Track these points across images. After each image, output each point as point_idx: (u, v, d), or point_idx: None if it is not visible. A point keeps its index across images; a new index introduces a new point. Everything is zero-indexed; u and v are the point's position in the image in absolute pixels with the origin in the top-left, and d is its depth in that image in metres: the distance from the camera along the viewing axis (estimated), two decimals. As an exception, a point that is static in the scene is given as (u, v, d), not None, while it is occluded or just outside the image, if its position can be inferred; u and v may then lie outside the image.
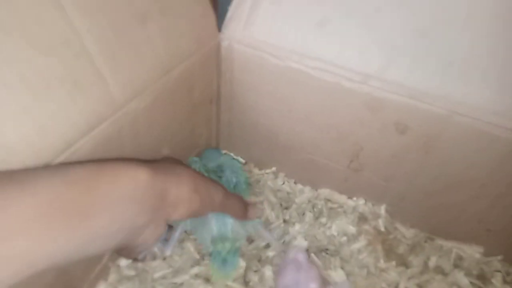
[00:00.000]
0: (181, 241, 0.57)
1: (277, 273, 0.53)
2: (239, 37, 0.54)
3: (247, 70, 0.56)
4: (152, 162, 0.34)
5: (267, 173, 0.69)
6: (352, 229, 0.61)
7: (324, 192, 0.67)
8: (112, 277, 0.52)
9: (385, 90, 0.49)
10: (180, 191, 0.34)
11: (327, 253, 0.57)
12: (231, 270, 0.50)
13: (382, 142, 0.54)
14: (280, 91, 0.56)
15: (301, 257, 0.53)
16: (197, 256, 0.55)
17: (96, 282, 0.50)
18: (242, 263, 0.53)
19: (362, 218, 0.63)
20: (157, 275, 0.53)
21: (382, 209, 0.63)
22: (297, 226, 0.60)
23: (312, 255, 0.56)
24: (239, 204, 0.48)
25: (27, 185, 0.25)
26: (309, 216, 0.62)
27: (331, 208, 0.65)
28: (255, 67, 0.55)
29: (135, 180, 0.29)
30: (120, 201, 0.28)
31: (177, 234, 0.48)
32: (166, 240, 0.50)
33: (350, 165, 0.60)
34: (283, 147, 0.64)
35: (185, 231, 0.52)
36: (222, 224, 0.48)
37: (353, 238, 0.60)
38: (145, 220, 0.31)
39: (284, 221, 0.61)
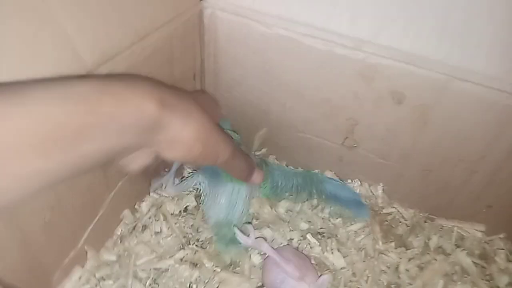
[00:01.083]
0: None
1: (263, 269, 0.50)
2: (223, 5, 0.52)
3: (232, 40, 0.54)
4: (166, 87, 0.31)
5: (256, 156, 0.67)
6: (347, 211, 0.59)
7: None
8: (90, 263, 0.50)
9: (380, 55, 0.47)
10: (183, 133, 0.31)
11: (322, 236, 0.55)
12: (240, 248, 0.50)
13: (377, 115, 0.53)
14: (268, 63, 0.54)
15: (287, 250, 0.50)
16: (183, 240, 0.53)
17: (71, 268, 0.48)
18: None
19: None
20: (140, 261, 0.50)
21: (379, 189, 0.62)
22: (285, 204, 0.58)
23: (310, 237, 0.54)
24: (245, 165, 0.46)
25: (18, 100, 0.23)
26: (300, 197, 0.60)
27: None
28: (240, 37, 0.53)
29: (140, 111, 0.27)
30: (120, 129, 0.27)
31: (188, 183, 0.51)
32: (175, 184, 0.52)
33: (345, 142, 0.58)
34: (273, 126, 0.62)
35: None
36: (232, 208, 0.49)
37: (349, 220, 0.58)
38: (136, 146, 0.31)
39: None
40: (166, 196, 0.58)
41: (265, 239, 0.52)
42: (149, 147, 0.32)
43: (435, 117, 0.49)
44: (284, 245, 0.53)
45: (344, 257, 0.53)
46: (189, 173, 0.54)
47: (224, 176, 0.49)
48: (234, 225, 0.50)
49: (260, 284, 0.50)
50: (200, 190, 0.51)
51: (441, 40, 0.45)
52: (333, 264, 0.52)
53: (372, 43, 0.47)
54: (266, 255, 0.49)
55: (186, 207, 0.57)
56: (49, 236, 0.42)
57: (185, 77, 0.57)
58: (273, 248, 0.49)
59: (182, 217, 0.57)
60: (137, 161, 0.35)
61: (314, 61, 0.51)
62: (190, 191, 0.58)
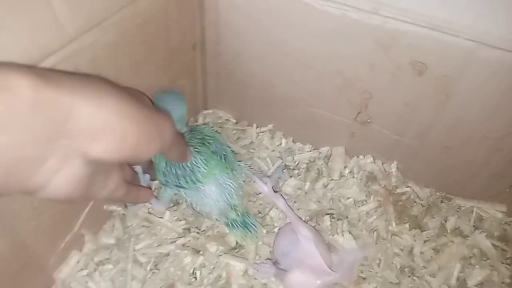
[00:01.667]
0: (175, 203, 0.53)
1: (275, 236, 0.48)
2: (224, -35, 0.47)
3: (234, 6, 0.50)
4: (57, 72, 0.25)
5: (262, 132, 0.64)
6: (359, 191, 0.55)
7: (327, 150, 0.61)
8: (88, 246, 0.47)
9: (399, 20, 0.42)
10: (98, 115, 0.24)
11: (333, 217, 0.52)
12: (255, 228, 0.48)
13: (395, 88, 0.48)
14: (274, 31, 0.50)
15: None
16: (184, 225, 0.50)
17: (67, 253, 0.46)
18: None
19: (370, 178, 0.58)
20: (139, 245, 0.48)
21: (393, 167, 0.58)
22: (293, 182, 0.55)
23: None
24: (183, 141, 0.43)
25: None
26: (309, 177, 0.57)
27: (333, 169, 0.59)
28: (243, 3, 0.48)
29: (17, 96, 0.20)
30: None
31: (166, 195, 0.49)
32: (156, 198, 0.49)
33: (358, 118, 0.54)
34: (281, 100, 0.58)
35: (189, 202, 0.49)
36: (225, 191, 0.47)
37: (360, 200, 0.55)
38: (36, 152, 0.23)
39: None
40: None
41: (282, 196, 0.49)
42: (64, 152, 0.23)
43: (459, 90, 0.45)
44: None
45: (355, 239, 0.50)
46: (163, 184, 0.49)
47: (202, 172, 0.46)
48: (237, 207, 0.47)
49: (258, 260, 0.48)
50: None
51: (469, 1, 0.40)
52: (344, 246, 0.50)
53: (391, 5, 0.42)
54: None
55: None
56: (39, 221, 0.39)
57: (183, 47, 0.52)
58: (290, 208, 0.48)
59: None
60: (61, 175, 0.25)
61: (325, 28, 0.46)
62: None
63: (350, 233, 0.50)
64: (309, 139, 0.62)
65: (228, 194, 0.47)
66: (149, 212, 0.51)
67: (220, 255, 0.48)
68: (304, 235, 0.45)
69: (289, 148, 0.62)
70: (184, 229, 0.50)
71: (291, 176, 0.57)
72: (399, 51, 0.45)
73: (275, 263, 0.47)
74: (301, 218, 0.49)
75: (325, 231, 0.50)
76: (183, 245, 0.49)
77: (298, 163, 0.60)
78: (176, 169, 0.46)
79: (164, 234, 0.49)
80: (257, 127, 0.64)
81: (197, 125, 0.61)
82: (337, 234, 0.50)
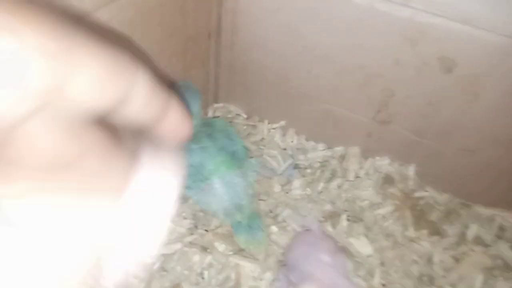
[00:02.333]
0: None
1: (287, 246, 0.46)
2: (246, -51, 0.45)
3: (255, -7, 0.48)
4: None
5: (274, 128, 0.62)
6: (375, 193, 0.53)
7: (342, 150, 0.59)
8: None
9: (430, 12, 0.40)
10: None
11: (348, 220, 0.50)
12: (261, 235, 0.46)
13: (419, 85, 0.47)
14: (294, 22, 0.48)
15: (314, 227, 0.46)
16: (189, 225, 0.48)
17: None
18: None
19: (387, 180, 0.56)
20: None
21: (411, 170, 0.56)
22: (305, 181, 0.53)
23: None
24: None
25: None
26: (323, 176, 0.55)
27: (348, 169, 0.57)
28: (264, -11, 0.47)
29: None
30: None
31: None
32: None
33: (377, 117, 0.52)
34: (295, 96, 0.56)
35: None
36: (231, 190, 0.45)
37: (376, 203, 0.53)
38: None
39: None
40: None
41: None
42: None
43: (489, 89, 0.43)
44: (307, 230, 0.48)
45: (371, 243, 0.48)
46: None
47: (207, 169, 0.45)
48: (244, 208, 0.46)
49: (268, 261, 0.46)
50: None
51: (506, -4, 0.38)
52: (359, 251, 0.47)
53: (423, -3, 0.40)
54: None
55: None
56: None
57: (199, 35, 0.50)
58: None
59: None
60: None
61: (349, 19, 0.44)
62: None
63: (365, 236, 0.48)
64: (323, 138, 0.60)
65: (235, 194, 0.45)
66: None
67: (229, 254, 0.46)
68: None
69: (301, 146, 0.60)
70: (188, 228, 0.48)
71: (303, 176, 0.55)
72: (427, 46, 0.43)
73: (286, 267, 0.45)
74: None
75: (340, 233, 0.48)
76: (190, 242, 0.47)
77: (311, 162, 0.58)
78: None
79: (169, 233, 0.47)
80: (268, 123, 0.62)
81: (210, 118, 0.59)
82: (352, 236, 0.48)
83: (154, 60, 0.43)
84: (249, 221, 0.45)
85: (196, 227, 0.49)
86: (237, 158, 0.47)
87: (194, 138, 0.45)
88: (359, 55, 0.47)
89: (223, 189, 0.45)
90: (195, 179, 0.44)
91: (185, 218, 0.49)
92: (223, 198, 0.45)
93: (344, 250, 0.46)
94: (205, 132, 0.47)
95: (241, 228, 0.45)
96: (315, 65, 0.51)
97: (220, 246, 0.46)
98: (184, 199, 0.50)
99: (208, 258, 0.45)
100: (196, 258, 0.45)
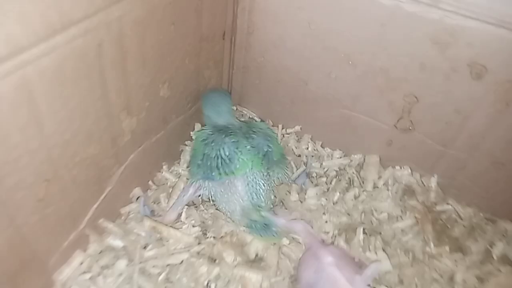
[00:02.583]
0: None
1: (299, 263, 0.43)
2: None
3: (273, -9, 0.45)
4: None
5: (288, 134, 0.60)
6: (394, 205, 0.51)
7: (359, 158, 0.56)
8: (93, 247, 0.43)
9: (462, 14, 0.38)
10: None
11: (364, 233, 0.47)
12: (277, 231, 0.44)
13: (446, 92, 0.44)
14: (316, 22, 0.46)
15: (329, 242, 0.43)
16: (197, 233, 0.46)
17: (71, 252, 0.42)
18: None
19: (407, 192, 0.53)
20: (150, 252, 0.43)
21: (432, 181, 0.53)
22: (318, 190, 0.51)
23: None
24: None
25: None
26: (339, 186, 0.52)
27: (366, 179, 0.54)
28: (284, -13, 0.44)
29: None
30: None
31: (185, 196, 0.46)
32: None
33: (398, 124, 0.50)
34: (313, 100, 0.54)
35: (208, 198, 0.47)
36: (253, 190, 0.44)
37: (395, 216, 0.51)
38: None
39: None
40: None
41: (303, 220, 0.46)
42: None
43: (523, 98, 0.40)
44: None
45: (389, 258, 0.46)
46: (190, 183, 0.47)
47: (234, 164, 0.43)
48: (262, 208, 0.44)
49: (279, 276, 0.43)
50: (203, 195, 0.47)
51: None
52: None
53: (455, -2, 0.38)
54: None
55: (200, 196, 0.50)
56: (43, 215, 0.35)
57: (213, 35, 0.48)
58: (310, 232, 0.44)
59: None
60: None
61: (374, 21, 0.42)
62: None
63: (384, 251, 0.46)
64: (339, 145, 0.58)
65: (255, 194, 0.44)
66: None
67: (237, 266, 0.44)
68: (326, 262, 0.40)
69: (317, 152, 0.58)
70: (196, 237, 0.46)
71: (316, 185, 0.53)
72: (457, 50, 0.40)
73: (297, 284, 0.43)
74: (323, 240, 0.45)
75: (356, 247, 0.46)
76: (198, 253, 0.44)
77: (326, 170, 0.55)
78: (211, 161, 0.44)
79: (176, 242, 0.45)
80: (283, 128, 0.60)
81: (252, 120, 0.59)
82: (369, 251, 0.46)
83: (167, 59, 0.41)
84: (265, 220, 0.44)
85: (204, 234, 0.46)
86: (267, 159, 0.45)
87: (230, 133, 0.45)
88: (383, 58, 0.45)
89: (245, 187, 0.44)
90: (220, 171, 0.43)
91: (193, 226, 0.47)
92: (243, 196, 0.44)
93: (360, 266, 0.44)
94: (243, 130, 0.46)
95: (258, 227, 0.44)
96: (336, 67, 0.48)
97: (229, 257, 0.44)
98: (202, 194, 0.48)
99: (216, 270, 0.43)
100: (203, 269, 0.43)
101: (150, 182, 0.51)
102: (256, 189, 0.43)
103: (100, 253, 0.44)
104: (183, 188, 0.48)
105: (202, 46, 0.47)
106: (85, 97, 0.32)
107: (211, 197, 0.46)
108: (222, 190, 0.44)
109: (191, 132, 0.56)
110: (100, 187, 0.42)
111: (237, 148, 0.44)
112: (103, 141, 0.38)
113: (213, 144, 0.44)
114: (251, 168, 0.43)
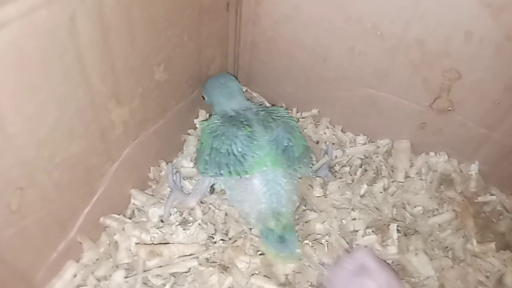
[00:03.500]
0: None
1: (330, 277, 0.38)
2: None
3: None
4: None
5: (303, 118, 0.54)
6: (429, 197, 0.46)
7: (387, 144, 0.51)
8: (87, 256, 0.39)
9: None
10: None
11: (397, 231, 0.42)
12: (294, 249, 0.37)
13: (496, 66, 0.39)
14: (335, -15, 0.39)
15: (368, 261, 0.37)
16: (209, 233, 0.41)
17: (61, 264, 0.37)
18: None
19: (444, 181, 0.48)
20: (153, 261, 0.38)
21: (473, 169, 0.48)
22: (334, 185, 0.45)
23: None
24: None
25: None
26: (365, 177, 0.47)
27: (396, 167, 0.49)
28: None
29: None
30: None
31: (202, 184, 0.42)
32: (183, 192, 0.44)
33: (435, 104, 0.44)
34: (332, 79, 0.48)
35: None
36: (272, 191, 0.38)
37: (431, 209, 0.46)
38: None
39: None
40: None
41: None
42: None
43: None
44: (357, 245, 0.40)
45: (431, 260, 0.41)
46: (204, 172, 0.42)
47: (249, 161, 0.38)
48: (282, 215, 0.38)
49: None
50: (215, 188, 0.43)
51: None
52: (418, 270, 0.40)
53: None
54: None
55: (213, 185, 0.44)
56: (20, 228, 0.31)
57: (216, 5, 0.43)
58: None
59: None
60: None
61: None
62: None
63: (425, 252, 0.40)
64: (363, 129, 0.52)
65: (275, 196, 0.38)
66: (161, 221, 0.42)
67: (252, 275, 0.38)
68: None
69: (337, 138, 0.52)
70: (204, 243, 0.40)
71: (339, 177, 0.47)
72: (514, 13, 0.33)
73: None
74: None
75: (391, 248, 0.40)
76: (208, 260, 0.39)
77: (350, 158, 0.50)
78: (220, 157, 0.39)
79: (182, 249, 0.40)
80: (297, 112, 0.54)
81: (270, 106, 0.52)
82: (408, 252, 0.40)
83: (162, 37, 0.35)
84: (283, 232, 0.38)
85: (212, 237, 0.41)
86: (288, 155, 0.40)
87: (243, 124, 0.40)
88: (418, 27, 0.39)
89: (263, 188, 0.38)
90: (231, 170, 0.38)
91: (202, 228, 0.41)
92: (260, 199, 0.38)
93: (397, 272, 0.38)
94: (259, 117, 0.41)
95: (273, 238, 0.38)
96: (360, 40, 0.43)
97: (241, 263, 0.39)
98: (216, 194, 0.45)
99: (228, 280, 0.38)
100: (214, 279, 0.38)
101: (150, 175, 0.46)
102: (277, 190, 0.38)
103: (95, 262, 0.39)
104: (198, 180, 0.44)
105: (203, 19, 0.41)
106: (58, 85, 0.27)
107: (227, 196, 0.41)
108: (237, 187, 0.39)
109: (194, 120, 0.50)
110: (90, 188, 0.38)
111: (251, 143, 0.38)
112: (88, 136, 0.33)
113: (223, 137, 0.39)
114: (270, 166, 0.38)
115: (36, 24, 0.22)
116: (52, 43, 0.24)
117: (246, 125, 0.39)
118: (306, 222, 0.42)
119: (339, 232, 0.41)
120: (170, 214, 0.42)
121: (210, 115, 0.50)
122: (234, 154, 0.38)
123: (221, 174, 0.39)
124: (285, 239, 0.37)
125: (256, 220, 0.38)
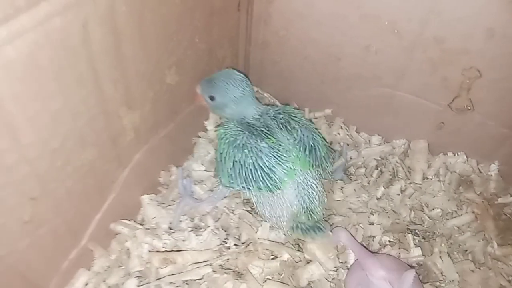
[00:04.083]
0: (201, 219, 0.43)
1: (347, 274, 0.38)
2: None
3: None
4: None
5: (316, 118, 0.53)
6: (447, 199, 0.45)
7: (403, 144, 0.50)
8: (99, 264, 0.39)
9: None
10: None
11: (416, 234, 0.41)
12: (325, 231, 0.39)
13: (519, 63, 0.37)
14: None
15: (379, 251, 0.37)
16: (222, 238, 0.41)
17: (72, 272, 0.37)
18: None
19: (463, 182, 0.47)
20: (166, 269, 0.38)
21: (492, 169, 0.47)
22: (350, 187, 0.45)
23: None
24: None
25: None
26: (381, 179, 0.47)
27: (413, 169, 0.48)
28: None
29: None
30: None
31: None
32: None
33: (453, 103, 0.44)
34: (346, 78, 0.48)
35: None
36: (303, 194, 0.38)
37: (450, 212, 0.45)
38: None
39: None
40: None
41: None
42: None
43: None
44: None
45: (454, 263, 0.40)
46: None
47: (278, 174, 0.37)
48: (314, 212, 0.38)
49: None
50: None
51: None
52: (442, 273, 0.39)
53: None
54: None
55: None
56: (35, 238, 0.30)
57: (227, 5, 0.43)
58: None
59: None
60: None
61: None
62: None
63: (449, 256, 0.40)
64: (378, 129, 0.52)
65: (308, 197, 0.38)
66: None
67: (265, 281, 0.38)
68: (376, 276, 0.34)
69: (351, 139, 0.51)
70: (217, 249, 0.40)
71: (354, 179, 0.47)
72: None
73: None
74: (369, 250, 0.39)
75: (412, 250, 0.40)
76: (221, 266, 0.39)
77: (365, 160, 0.49)
78: (246, 172, 0.37)
79: (196, 255, 0.40)
80: (310, 112, 0.54)
81: (281, 105, 0.51)
82: (430, 255, 0.40)
83: (173, 39, 0.35)
84: (315, 224, 0.39)
85: (225, 242, 0.41)
86: (315, 155, 0.39)
87: (265, 133, 0.38)
88: (437, 24, 0.39)
89: (294, 191, 0.38)
90: (260, 186, 0.37)
91: (214, 233, 0.41)
92: (293, 202, 0.38)
93: (418, 277, 0.38)
94: (279, 122, 0.40)
95: (304, 228, 0.38)
96: (377, 39, 0.43)
97: (255, 268, 0.39)
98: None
99: (243, 287, 0.37)
100: (229, 286, 0.38)
101: (161, 179, 0.45)
102: (308, 192, 0.38)
103: (107, 269, 0.39)
104: (218, 189, 0.42)
105: (213, 20, 0.41)
106: (72, 93, 0.26)
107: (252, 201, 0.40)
108: (266, 195, 0.38)
109: (204, 122, 0.50)
110: (101, 195, 0.37)
111: (278, 154, 0.37)
112: (100, 144, 0.33)
113: (245, 150, 0.37)
114: (299, 170, 0.38)
115: (49, 33, 0.22)
116: (65, 52, 0.24)
117: (268, 134, 0.38)
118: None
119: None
120: (180, 221, 0.42)
121: (220, 118, 0.48)
122: (261, 169, 0.37)
123: (248, 189, 0.38)
124: (317, 227, 0.38)
125: (287, 222, 0.38)
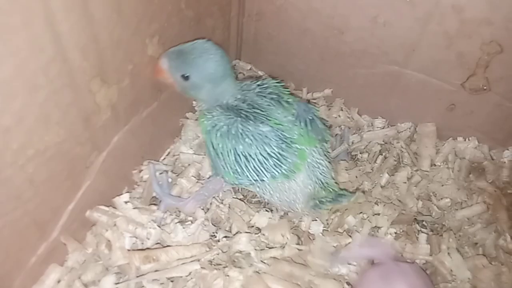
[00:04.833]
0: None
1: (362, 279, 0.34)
2: None
3: None
4: None
5: (315, 99, 0.50)
6: (457, 187, 0.42)
7: (409, 127, 0.47)
8: (73, 259, 0.35)
9: None
10: None
11: (423, 226, 0.38)
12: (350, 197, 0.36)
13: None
14: None
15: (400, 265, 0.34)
16: (211, 230, 0.37)
17: (42, 268, 0.34)
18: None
19: (474, 170, 0.45)
20: (147, 265, 0.34)
21: (506, 155, 0.45)
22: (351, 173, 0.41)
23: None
24: None
25: None
26: (385, 165, 0.44)
27: (420, 155, 0.45)
28: None
29: None
30: None
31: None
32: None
33: (468, 82, 0.41)
34: (349, 54, 0.44)
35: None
36: (315, 173, 0.35)
37: (459, 201, 0.42)
38: None
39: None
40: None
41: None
42: None
43: None
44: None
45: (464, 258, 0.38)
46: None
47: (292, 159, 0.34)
48: (330, 185, 0.36)
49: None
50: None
51: None
52: (452, 272, 0.36)
53: None
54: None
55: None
56: None
57: None
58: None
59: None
60: None
61: None
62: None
63: (458, 251, 0.37)
64: (381, 111, 0.49)
65: (321, 173, 0.36)
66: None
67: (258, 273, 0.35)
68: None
69: (352, 122, 0.48)
70: (206, 243, 0.36)
71: (356, 163, 0.43)
72: None
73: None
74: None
75: (421, 246, 0.36)
76: (211, 262, 0.35)
77: (368, 144, 0.46)
78: (255, 164, 0.34)
79: (182, 251, 0.36)
80: (308, 92, 0.50)
81: (259, 78, 0.43)
82: (440, 252, 0.37)
83: (154, 2, 0.30)
84: (337, 193, 0.36)
85: (214, 235, 0.37)
86: (316, 129, 0.37)
87: (262, 115, 0.34)
88: None
89: (306, 172, 0.35)
90: (275, 174, 0.34)
91: (205, 225, 0.37)
92: (306, 184, 0.35)
93: (427, 276, 0.35)
94: (271, 99, 0.36)
95: (328, 200, 0.36)
96: (385, 8, 0.39)
97: (247, 264, 0.35)
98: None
99: (236, 285, 0.34)
100: (219, 284, 0.34)
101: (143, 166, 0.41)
102: (319, 169, 0.35)
103: (83, 264, 0.35)
104: (210, 179, 0.38)
105: None
106: (25, 59, 0.21)
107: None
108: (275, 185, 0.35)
109: (193, 101, 0.45)
110: (74, 182, 0.33)
111: (283, 136, 0.34)
112: (68, 123, 0.29)
113: (246, 138, 0.33)
114: (305, 148, 0.35)
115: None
116: (13, 5, 0.19)
117: (266, 115, 0.34)
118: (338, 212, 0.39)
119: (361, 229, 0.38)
120: (163, 219, 0.37)
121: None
122: (271, 156, 0.33)
123: (262, 181, 0.35)
124: (340, 195, 0.36)
125: (306, 202, 0.35)
